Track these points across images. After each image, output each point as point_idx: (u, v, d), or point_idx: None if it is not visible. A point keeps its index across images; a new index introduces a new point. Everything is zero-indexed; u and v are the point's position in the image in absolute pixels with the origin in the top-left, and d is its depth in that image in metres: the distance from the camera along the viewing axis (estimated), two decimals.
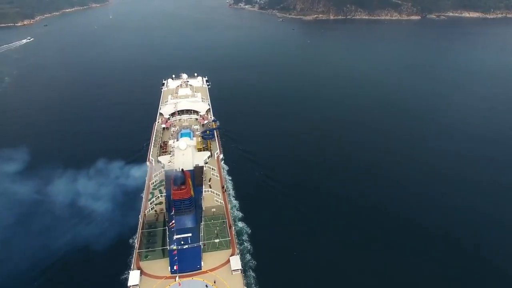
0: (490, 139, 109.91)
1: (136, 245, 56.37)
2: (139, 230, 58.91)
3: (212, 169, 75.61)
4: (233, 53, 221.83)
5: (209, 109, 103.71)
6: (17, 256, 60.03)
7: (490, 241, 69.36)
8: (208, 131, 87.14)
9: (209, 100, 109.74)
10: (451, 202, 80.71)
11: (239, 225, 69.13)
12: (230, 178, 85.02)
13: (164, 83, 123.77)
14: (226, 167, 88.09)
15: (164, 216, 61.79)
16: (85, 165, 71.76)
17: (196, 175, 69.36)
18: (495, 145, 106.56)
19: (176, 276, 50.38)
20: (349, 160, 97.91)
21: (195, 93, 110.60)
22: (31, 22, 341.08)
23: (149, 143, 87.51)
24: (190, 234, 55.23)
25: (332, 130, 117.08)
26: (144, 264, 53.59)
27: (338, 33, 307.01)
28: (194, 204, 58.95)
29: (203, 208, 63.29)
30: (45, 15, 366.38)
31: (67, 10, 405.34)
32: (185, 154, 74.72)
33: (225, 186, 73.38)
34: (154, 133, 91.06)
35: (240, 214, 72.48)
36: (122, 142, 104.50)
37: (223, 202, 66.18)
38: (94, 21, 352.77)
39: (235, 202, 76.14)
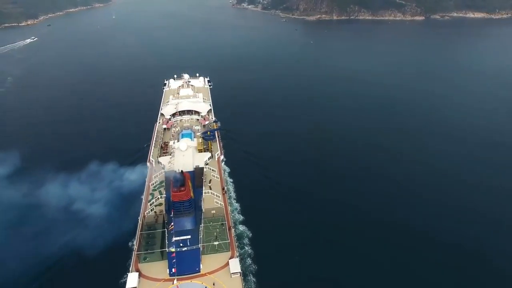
0: (494, 141, 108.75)
1: (135, 247, 56.04)
2: (138, 232, 58.51)
3: (213, 170, 75.17)
4: (235, 53, 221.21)
5: (211, 109, 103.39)
6: (14, 258, 59.55)
7: (493, 242, 68.50)
8: (209, 132, 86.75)
9: (211, 101, 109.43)
10: (455, 204, 79.92)
11: (240, 228, 68.13)
12: (232, 180, 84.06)
13: (165, 83, 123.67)
14: (227, 169, 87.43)
15: (164, 218, 61.40)
16: (85, 166, 71.42)
17: (196, 176, 68.99)
18: (499, 147, 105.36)
19: (174, 278, 49.97)
20: (352, 162, 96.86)
21: (197, 94, 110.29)
22: (35, 22, 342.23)
23: (150, 144, 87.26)
24: (189, 236, 54.88)
25: (335, 131, 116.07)
26: (142, 266, 53.22)
27: (341, 34, 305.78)
28: (193, 206, 58.56)
29: (203, 210, 62.86)
30: (49, 15, 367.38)
31: (70, 10, 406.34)
32: (185, 155, 74.51)
33: (226, 187, 72.82)
34: (155, 134, 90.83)
35: (241, 217, 71.37)
36: (123, 142, 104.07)
37: (223, 204, 65.70)
38: (97, 21, 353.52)
39: (236, 204, 75.17)
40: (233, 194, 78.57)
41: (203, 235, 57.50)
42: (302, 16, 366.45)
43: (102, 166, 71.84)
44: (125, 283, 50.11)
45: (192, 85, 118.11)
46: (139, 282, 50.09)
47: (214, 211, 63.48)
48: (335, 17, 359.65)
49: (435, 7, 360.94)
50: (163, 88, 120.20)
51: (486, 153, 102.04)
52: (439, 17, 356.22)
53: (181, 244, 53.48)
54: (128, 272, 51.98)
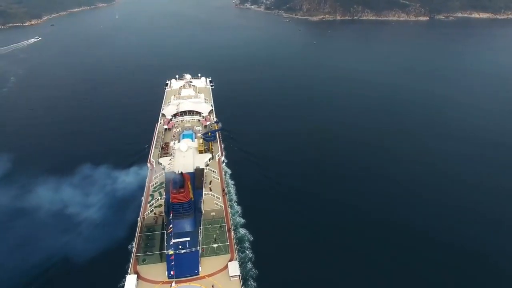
0: (497, 141, 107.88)
1: (134, 249, 55.64)
2: (137, 233, 58.10)
3: (213, 171, 74.63)
4: (238, 54, 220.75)
5: (212, 110, 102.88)
6: (11, 261, 59.47)
7: (494, 242, 68.02)
8: (209, 133, 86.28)
9: (212, 101, 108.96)
10: (455, 204, 79.37)
11: (240, 231, 67.29)
12: (233, 182, 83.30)
13: (167, 83, 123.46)
14: (228, 171, 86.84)
15: (163, 219, 60.95)
16: (85, 167, 71.50)
17: (197, 177, 68.47)
18: (501, 147, 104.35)
19: (173, 281, 49.50)
20: (354, 162, 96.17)
21: (198, 94, 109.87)
22: (38, 22, 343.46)
23: (151, 145, 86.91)
24: (188, 238, 54.37)
25: (337, 132, 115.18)
26: (141, 268, 52.78)
27: (344, 34, 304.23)
28: (193, 208, 58.00)
29: (203, 212, 62.37)
30: (53, 15, 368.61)
31: (74, 10, 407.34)
32: (185, 156, 74.07)
33: (226, 189, 72.22)
34: (156, 134, 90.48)
35: (242, 220, 70.51)
36: (124, 143, 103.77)
37: (223, 205, 65.11)
38: (100, 21, 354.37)
39: (237, 207, 74.40)
40: (234, 197, 77.74)
41: (202, 237, 57.01)
42: (305, 16, 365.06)
43: (102, 167, 72.06)
44: (123, 285, 49.69)
45: (193, 86, 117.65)
46: (137, 284, 49.71)
47: (214, 213, 62.88)
48: (338, 17, 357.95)
49: (440, 8, 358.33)
50: (165, 88, 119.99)
51: (488, 153, 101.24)
52: (443, 17, 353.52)
53: (180, 246, 52.98)
54: (127, 274, 51.55)
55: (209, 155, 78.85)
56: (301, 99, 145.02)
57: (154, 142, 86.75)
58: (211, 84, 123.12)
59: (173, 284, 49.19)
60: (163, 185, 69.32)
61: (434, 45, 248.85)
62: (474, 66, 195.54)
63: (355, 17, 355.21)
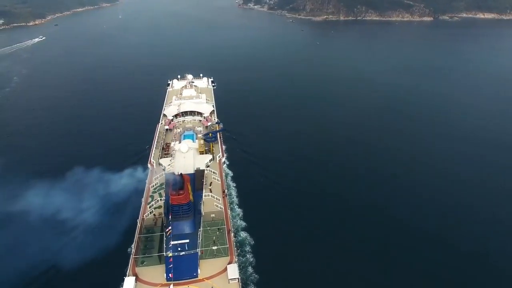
0: (503, 142, 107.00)
1: (133, 251, 55.14)
2: (137, 235, 57.63)
3: (214, 172, 74.06)
4: (240, 54, 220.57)
5: (213, 110, 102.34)
6: (8, 264, 59.30)
7: (501, 243, 67.27)
8: (210, 134, 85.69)
9: (214, 102, 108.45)
10: (456, 204, 78.76)
11: (241, 235, 66.52)
12: (234, 184, 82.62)
13: (169, 83, 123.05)
14: (230, 173, 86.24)
15: (163, 221, 60.48)
16: (84, 167, 71.13)
17: (197, 178, 67.97)
18: (509, 149, 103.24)
19: (171, 284, 49.00)
20: (361, 165, 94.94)
21: (200, 94, 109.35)
22: (42, 21, 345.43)
23: (151, 145, 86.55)
24: (187, 240, 53.83)
25: (343, 133, 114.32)
26: (140, 270, 52.27)
27: (348, 35, 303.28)
28: (193, 209, 57.47)
29: (203, 214, 61.84)
30: (57, 15, 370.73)
31: (78, 10, 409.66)
32: (186, 157, 73.50)
33: (226, 191, 71.62)
34: (157, 135, 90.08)
35: (243, 223, 69.69)
36: (125, 143, 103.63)
37: (223, 207, 64.53)
38: (104, 20, 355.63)
39: (238, 210, 73.71)
40: (235, 199, 77.04)
41: (202, 239, 56.45)
42: (309, 17, 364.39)
43: (102, 168, 71.42)
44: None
45: (195, 86, 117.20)
46: (135, 286, 49.24)
47: (213, 215, 62.27)
48: (342, 18, 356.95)
49: (444, 8, 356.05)
50: (167, 88, 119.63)
51: (494, 154, 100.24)
52: (448, 17, 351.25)
53: (179, 249, 52.46)
54: (125, 276, 51.11)
55: (209, 156, 78.26)
56: (304, 99, 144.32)
57: (155, 142, 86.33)
58: (213, 84, 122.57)
59: (171, 286, 48.65)
60: (163, 186, 68.89)
61: (438, 45, 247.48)
62: (479, 66, 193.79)
63: (359, 18, 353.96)
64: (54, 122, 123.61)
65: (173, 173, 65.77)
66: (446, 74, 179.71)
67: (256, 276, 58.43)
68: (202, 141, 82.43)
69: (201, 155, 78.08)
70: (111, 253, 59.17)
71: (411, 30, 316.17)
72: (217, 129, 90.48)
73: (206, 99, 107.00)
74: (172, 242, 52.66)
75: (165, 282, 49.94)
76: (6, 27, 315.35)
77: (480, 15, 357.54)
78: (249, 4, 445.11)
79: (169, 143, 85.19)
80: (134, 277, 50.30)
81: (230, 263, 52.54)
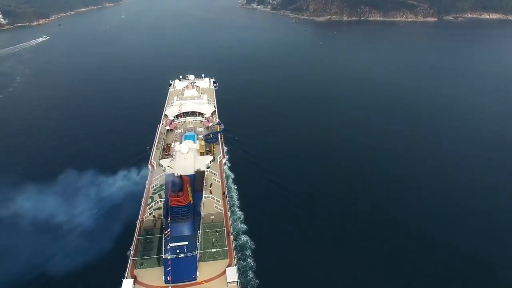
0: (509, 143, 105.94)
1: (131, 252, 54.73)
2: (136, 237, 57.26)
3: (214, 174, 73.58)
4: (242, 54, 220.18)
5: (215, 111, 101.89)
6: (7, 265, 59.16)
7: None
8: (211, 135, 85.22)
9: (215, 102, 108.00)
10: (458, 204, 77.99)
11: (242, 238, 65.61)
12: (236, 187, 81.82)
13: (171, 83, 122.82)
14: (231, 175, 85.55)
15: (162, 222, 60.07)
16: (84, 167, 70.94)
17: (197, 180, 67.41)
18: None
19: (169, 286, 48.54)
20: (366, 168, 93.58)
21: (201, 95, 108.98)
22: (46, 21, 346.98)
23: (152, 146, 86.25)
24: (186, 243, 53.33)
25: (347, 135, 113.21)
26: (138, 272, 51.86)
27: (351, 35, 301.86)
28: (192, 211, 57.00)
29: (202, 215, 61.35)
30: (60, 15, 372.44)
31: (81, 10, 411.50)
32: (186, 158, 72.95)
33: (226, 192, 71.07)
34: (158, 135, 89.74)
35: (244, 227, 68.82)
36: (126, 144, 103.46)
37: (223, 209, 63.99)
38: (107, 20, 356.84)
39: (239, 213, 72.89)
40: (236, 202, 76.17)
41: (201, 241, 55.95)
42: (312, 17, 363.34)
43: (102, 168, 71.24)
44: None
45: (197, 86, 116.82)
46: None
47: (213, 217, 61.75)
48: (345, 18, 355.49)
49: (449, 8, 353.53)
50: (168, 89, 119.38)
51: (502, 155, 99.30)
52: (452, 18, 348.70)
53: (177, 251, 51.96)
54: (123, 278, 50.74)
55: (210, 157, 77.76)
56: (308, 100, 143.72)
57: (156, 143, 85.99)
58: (215, 85, 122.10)
59: None
60: (163, 187, 68.48)
61: (442, 46, 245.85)
62: (484, 67, 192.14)
63: (362, 18, 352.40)
64: (54, 123, 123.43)
65: (172, 174, 65.39)
66: (450, 75, 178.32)
67: (256, 281, 57.62)
68: (202, 142, 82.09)
69: (202, 156, 77.63)
70: (111, 255, 58.89)
71: (415, 30, 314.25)
72: (218, 130, 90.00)
73: (208, 100, 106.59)
74: (170, 244, 52.19)
75: (164, 284, 49.54)
76: (10, 27, 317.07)
77: (485, 16, 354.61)
78: (252, 4, 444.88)
79: (170, 144, 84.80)
80: (132, 280, 49.89)
81: (229, 265, 51.95)
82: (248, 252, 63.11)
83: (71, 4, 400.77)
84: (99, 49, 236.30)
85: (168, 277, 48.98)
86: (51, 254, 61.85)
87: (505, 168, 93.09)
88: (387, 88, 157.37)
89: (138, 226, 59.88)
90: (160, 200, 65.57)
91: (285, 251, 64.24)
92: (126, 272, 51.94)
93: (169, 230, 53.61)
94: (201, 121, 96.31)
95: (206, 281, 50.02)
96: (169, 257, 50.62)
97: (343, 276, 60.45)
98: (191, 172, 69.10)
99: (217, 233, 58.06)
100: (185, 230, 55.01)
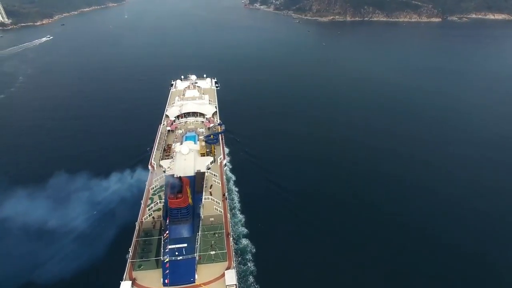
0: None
1: (130, 254, 54.33)
2: (135, 238, 56.86)
3: (214, 175, 73.07)
4: (245, 54, 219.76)
5: (216, 112, 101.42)
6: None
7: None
8: (212, 135, 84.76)
9: (217, 103, 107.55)
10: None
11: (243, 242, 64.82)
12: (237, 189, 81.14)
13: (172, 84, 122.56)
14: (232, 177, 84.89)
15: (161, 224, 59.65)
16: (84, 167, 70.67)
17: (197, 181, 66.84)
18: None
19: None
20: (369, 169, 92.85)
21: (203, 95, 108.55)
22: (50, 21, 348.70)
23: (153, 146, 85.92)
24: (185, 245, 52.72)
25: (350, 135, 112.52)
26: (137, 274, 51.42)
27: (354, 36, 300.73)
28: (191, 213, 56.44)
29: (202, 217, 60.87)
30: (64, 14, 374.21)
31: (85, 10, 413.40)
32: (186, 159, 72.52)
33: (226, 193, 70.50)
34: (159, 136, 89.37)
35: (244, 230, 68.10)
36: (126, 144, 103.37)
37: (223, 211, 63.47)
38: (110, 20, 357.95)
39: (240, 216, 72.18)
40: (237, 205, 75.37)
41: (200, 244, 55.45)
42: (315, 17, 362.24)
43: (101, 169, 71.05)
44: None
45: (198, 86, 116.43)
46: None
47: (212, 219, 61.24)
48: (348, 18, 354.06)
49: (453, 8, 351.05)
50: (170, 89, 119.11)
51: (501, 155, 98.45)
52: (456, 18, 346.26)
53: (176, 253, 51.42)
54: (121, 280, 50.36)
55: (210, 158, 77.25)
56: (311, 101, 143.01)
57: (156, 144, 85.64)
58: (217, 85, 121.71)
59: None
60: (163, 188, 68.04)
61: (446, 47, 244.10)
62: (489, 68, 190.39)
63: (366, 18, 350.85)
64: (55, 123, 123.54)
65: (172, 175, 64.96)
66: (453, 75, 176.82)
67: (257, 286, 56.95)
68: (203, 143, 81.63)
69: (202, 157, 77.13)
70: (109, 257, 58.72)
71: (419, 31, 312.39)
72: (219, 130, 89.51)
73: (209, 100, 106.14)
74: (169, 246, 51.64)
75: (162, 287, 49.10)
76: (14, 27, 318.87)
77: (490, 16, 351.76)
78: (255, 4, 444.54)
79: (171, 145, 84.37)
80: (131, 282, 49.47)
81: (228, 268, 51.41)
82: (249, 256, 62.33)
83: (74, 4, 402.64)
84: (101, 49, 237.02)
85: (166, 280, 48.48)
86: (51, 255, 61.69)
87: (505, 168, 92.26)
88: (389, 88, 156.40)
89: (137, 227, 59.46)
90: (160, 202, 65.16)
91: (286, 255, 63.44)
92: (125, 274, 51.58)
93: (167, 232, 53.08)
94: (202, 121, 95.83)
95: (204, 283, 49.46)
96: (167, 259, 50.13)
97: (343, 277, 59.89)
98: (191, 173, 68.61)
99: (217, 235, 57.50)
100: (184, 232, 54.37)
